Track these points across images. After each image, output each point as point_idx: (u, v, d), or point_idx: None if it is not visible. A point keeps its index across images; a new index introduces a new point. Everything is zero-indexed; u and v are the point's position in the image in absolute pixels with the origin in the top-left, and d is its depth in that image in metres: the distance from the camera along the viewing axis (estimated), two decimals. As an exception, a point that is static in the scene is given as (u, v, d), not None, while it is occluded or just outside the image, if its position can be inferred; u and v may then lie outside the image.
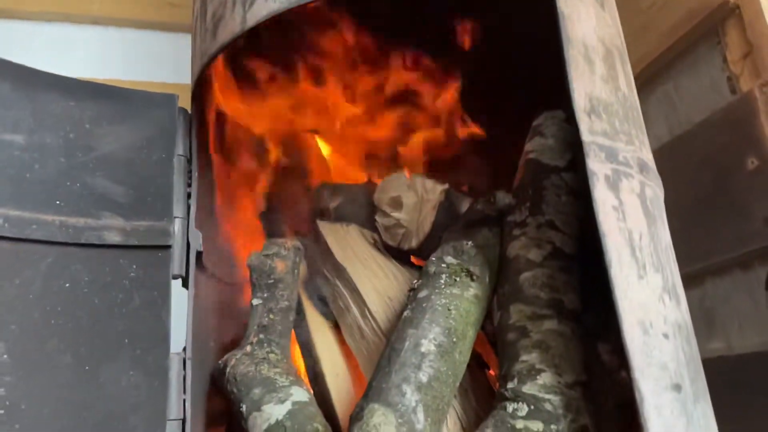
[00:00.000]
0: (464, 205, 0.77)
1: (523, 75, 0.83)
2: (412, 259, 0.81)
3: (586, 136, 0.52)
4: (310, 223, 0.80)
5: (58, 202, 0.60)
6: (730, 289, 1.02)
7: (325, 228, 0.77)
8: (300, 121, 0.81)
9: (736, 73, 1.01)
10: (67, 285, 0.58)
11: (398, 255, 0.79)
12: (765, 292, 0.95)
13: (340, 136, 0.83)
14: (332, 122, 0.83)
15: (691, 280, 1.02)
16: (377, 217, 0.79)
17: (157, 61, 1.32)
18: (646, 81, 1.16)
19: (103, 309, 0.59)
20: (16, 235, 0.56)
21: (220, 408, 0.73)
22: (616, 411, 0.56)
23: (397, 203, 0.77)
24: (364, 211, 0.80)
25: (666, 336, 0.50)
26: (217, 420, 0.73)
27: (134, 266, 0.61)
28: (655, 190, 0.59)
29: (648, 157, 0.60)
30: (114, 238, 0.61)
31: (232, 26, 0.61)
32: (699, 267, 1.03)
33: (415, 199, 0.76)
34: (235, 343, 0.76)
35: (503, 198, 0.66)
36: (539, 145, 0.69)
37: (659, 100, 1.18)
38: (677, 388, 0.48)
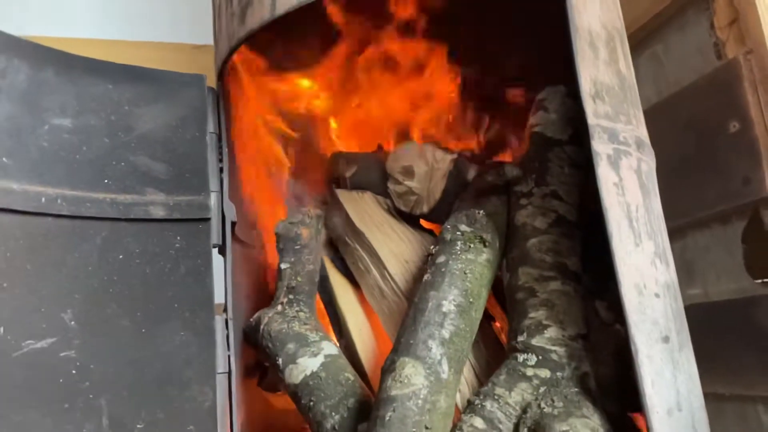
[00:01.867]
0: (471, 173, 0.83)
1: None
2: (422, 222, 0.88)
3: (591, 120, 0.58)
4: (328, 191, 0.86)
5: (106, 181, 0.65)
6: (710, 242, 1.10)
7: (343, 196, 0.83)
8: (316, 99, 0.86)
9: (723, 39, 1.06)
10: (121, 257, 0.64)
11: (409, 218, 0.85)
12: (741, 245, 1.04)
13: (352, 115, 0.88)
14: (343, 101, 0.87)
15: (674, 233, 1.10)
16: (390, 184, 0.85)
17: (155, 21, 1.34)
18: (638, 43, 1.20)
19: (153, 277, 0.65)
20: (72, 212, 0.62)
21: (253, 360, 0.80)
22: (611, 358, 0.64)
23: (408, 172, 0.83)
24: (378, 178, 0.86)
25: (657, 295, 0.58)
26: (251, 372, 0.80)
27: (178, 238, 0.67)
28: (649, 164, 0.66)
29: (643, 133, 0.67)
30: (159, 212, 0.66)
31: (261, 13, 0.65)
32: (682, 222, 1.11)
33: (425, 168, 0.82)
34: (260, 300, 0.83)
35: (511, 170, 0.72)
36: (543, 120, 0.75)
37: (649, 62, 1.23)
38: (666, 339, 0.56)
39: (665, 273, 0.61)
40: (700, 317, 1.04)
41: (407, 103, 0.91)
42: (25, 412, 0.56)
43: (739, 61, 1.00)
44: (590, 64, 0.61)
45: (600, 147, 0.58)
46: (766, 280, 1.01)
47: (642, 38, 1.21)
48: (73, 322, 0.60)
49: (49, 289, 0.59)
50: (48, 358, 0.58)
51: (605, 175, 0.57)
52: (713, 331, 1.02)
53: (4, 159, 0.59)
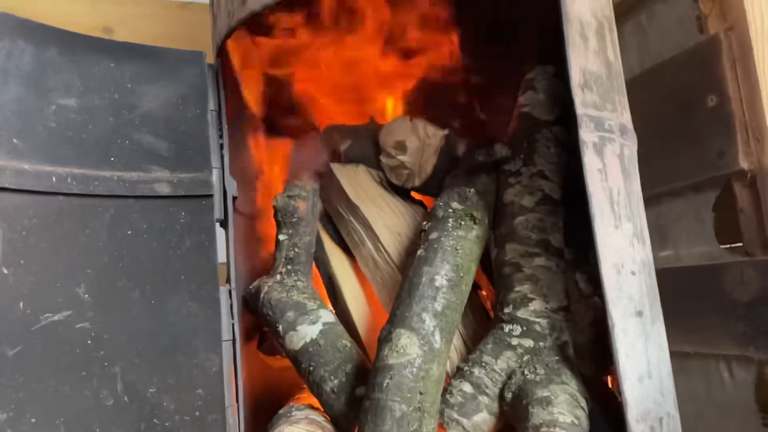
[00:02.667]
0: (461, 148, 0.86)
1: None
2: (413, 193, 0.91)
3: (579, 110, 0.62)
4: (322, 164, 0.89)
5: (112, 159, 0.67)
6: (683, 209, 1.16)
7: (338, 170, 0.86)
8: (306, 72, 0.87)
9: (705, 12, 1.09)
10: (129, 232, 0.67)
11: (400, 190, 0.89)
12: (712, 214, 1.10)
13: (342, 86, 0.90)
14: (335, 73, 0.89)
15: (650, 200, 1.15)
16: (382, 158, 0.88)
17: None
18: (623, 11, 1.22)
19: (160, 252, 0.68)
20: (81, 191, 0.64)
21: (252, 325, 0.85)
22: (589, 327, 0.69)
23: (401, 146, 0.86)
24: (371, 151, 0.89)
25: (633, 273, 0.63)
26: (250, 335, 0.85)
27: (183, 213, 0.70)
28: (631, 148, 0.69)
29: (627, 119, 0.71)
30: (164, 189, 0.69)
31: (263, -6, 0.67)
32: (658, 190, 1.16)
33: (417, 143, 0.85)
34: (256, 268, 0.87)
35: (501, 150, 0.75)
36: (532, 100, 0.78)
37: (633, 30, 1.25)
38: (639, 314, 0.62)
39: (642, 251, 0.66)
40: (671, 281, 1.11)
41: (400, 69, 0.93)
42: (46, 381, 0.60)
43: (720, 38, 1.03)
44: (580, 54, 0.64)
45: (587, 136, 0.62)
46: (732, 245, 1.07)
47: (628, 7, 1.23)
48: (86, 296, 0.63)
49: (63, 265, 0.62)
50: (65, 329, 0.62)
51: (591, 163, 0.61)
52: (682, 294, 1.09)
53: (14, 140, 0.61)
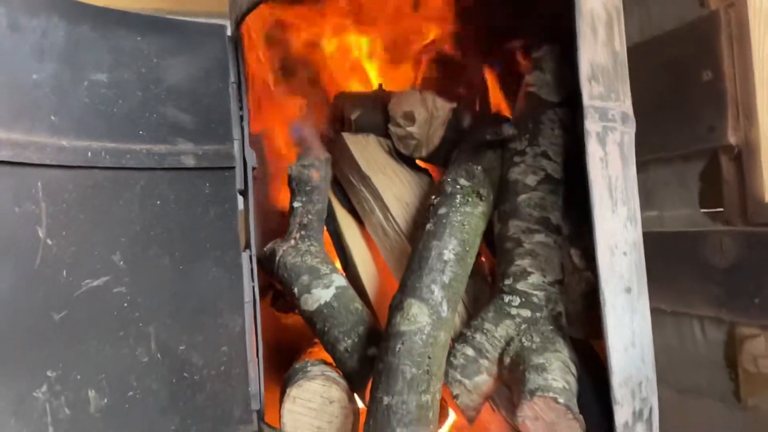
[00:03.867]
0: (467, 120, 0.90)
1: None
2: (418, 161, 0.95)
3: (586, 101, 0.66)
4: (332, 131, 0.92)
5: (141, 132, 0.71)
6: (670, 176, 1.22)
7: (350, 139, 0.89)
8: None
9: (707, -15, 1.12)
10: (158, 203, 0.71)
11: (406, 158, 0.93)
12: (698, 182, 1.16)
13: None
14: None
15: (640, 165, 1.21)
16: (391, 126, 0.92)
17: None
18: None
19: (187, 221, 0.73)
20: (114, 164, 0.68)
21: (265, 284, 0.90)
22: (580, 298, 0.76)
23: (410, 117, 0.89)
24: (380, 120, 0.92)
25: (625, 254, 0.69)
26: (263, 294, 0.91)
27: (207, 184, 0.74)
28: (630, 134, 0.74)
29: (628, 106, 0.75)
30: (190, 161, 0.73)
31: (286, -25, 0.68)
32: (648, 157, 1.22)
33: (425, 115, 0.89)
34: (269, 230, 0.92)
35: (508, 129, 0.80)
36: (539, 80, 0.82)
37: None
38: (628, 290, 0.68)
39: (633, 232, 0.71)
40: (655, 244, 1.18)
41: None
42: (88, 341, 0.65)
43: (720, 14, 1.07)
44: (590, 46, 0.67)
45: (591, 126, 0.66)
46: (713, 210, 1.14)
47: (631, -25, 1.24)
48: (122, 263, 0.68)
49: (100, 235, 0.67)
50: (103, 294, 0.67)
51: (593, 151, 0.66)
52: (664, 257, 1.16)
53: (52, 117, 0.64)
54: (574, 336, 0.75)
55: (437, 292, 0.71)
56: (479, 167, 0.79)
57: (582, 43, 0.66)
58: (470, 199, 0.76)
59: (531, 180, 0.77)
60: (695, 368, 1.16)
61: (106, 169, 0.67)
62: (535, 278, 0.73)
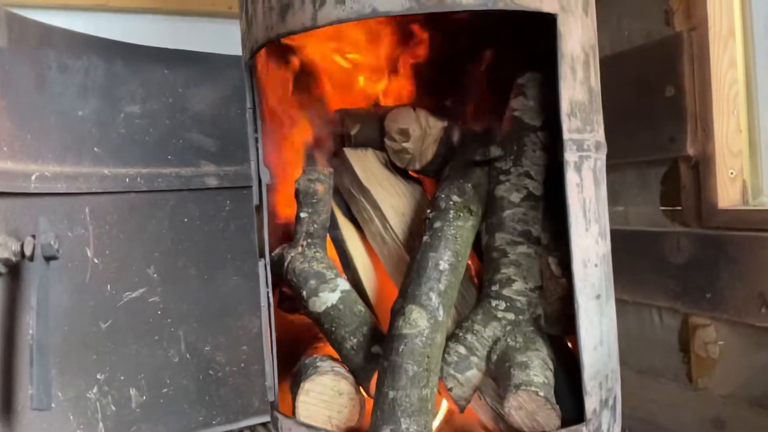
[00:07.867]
0: (456, 135, 1.00)
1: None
2: (410, 172, 1.05)
3: (565, 135, 0.76)
4: (334, 146, 1.01)
5: (169, 157, 0.78)
6: (635, 179, 1.34)
7: (350, 154, 0.98)
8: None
9: (673, 8, 1.22)
10: (186, 220, 0.79)
11: (401, 169, 1.02)
12: (659, 186, 1.28)
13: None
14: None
15: (609, 167, 1.33)
16: (387, 141, 1.00)
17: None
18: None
19: (211, 234, 0.81)
20: (148, 188, 0.76)
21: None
22: (557, 301, 0.87)
23: (404, 133, 0.98)
24: (377, 135, 1.01)
25: (596, 265, 0.80)
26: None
27: (228, 202, 0.82)
28: (602, 159, 0.85)
29: (601, 134, 0.85)
30: (213, 182, 0.81)
31: (302, 18, 0.76)
32: (616, 161, 1.33)
33: (419, 132, 0.98)
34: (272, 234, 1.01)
35: (495, 151, 0.89)
36: (522, 105, 0.92)
37: (607, 12, 1.37)
38: (598, 297, 0.79)
39: (603, 246, 0.83)
40: (621, 240, 1.31)
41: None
42: (129, 345, 0.74)
43: (683, 36, 1.18)
44: (569, 86, 0.77)
45: (569, 156, 0.76)
46: (671, 208, 1.27)
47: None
48: (155, 275, 0.77)
49: (137, 252, 0.75)
50: (141, 304, 0.75)
51: (571, 179, 0.76)
52: (628, 253, 1.29)
53: (95, 149, 0.71)
54: (551, 333, 0.86)
55: (434, 299, 0.81)
56: (469, 184, 0.88)
57: (563, 84, 0.76)
58: (462, 214, 0.86)
59: (515, 197, 0.87)
60: (653, 352, 1.30)
61: (141, 193, 0.75)
62: (518, 285, 0.84)
